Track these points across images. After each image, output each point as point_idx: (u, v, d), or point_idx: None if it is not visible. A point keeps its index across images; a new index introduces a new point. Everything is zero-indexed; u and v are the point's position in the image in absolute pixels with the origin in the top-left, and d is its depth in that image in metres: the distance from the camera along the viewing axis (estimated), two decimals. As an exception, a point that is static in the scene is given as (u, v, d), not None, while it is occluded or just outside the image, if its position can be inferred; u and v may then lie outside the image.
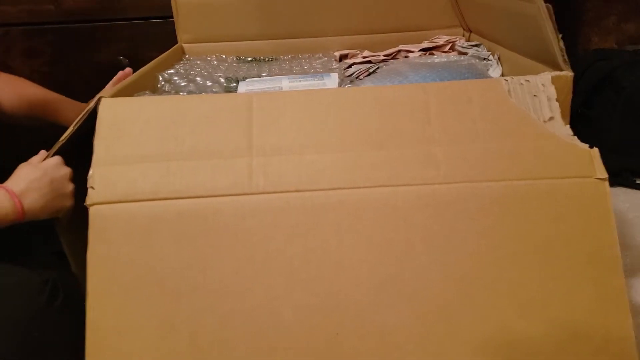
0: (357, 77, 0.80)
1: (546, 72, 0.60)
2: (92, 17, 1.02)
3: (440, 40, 0.91)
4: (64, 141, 0.61)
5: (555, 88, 0.58)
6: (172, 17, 1.00)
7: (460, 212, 0.53)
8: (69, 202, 0.61)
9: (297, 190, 0.55)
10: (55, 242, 0.74)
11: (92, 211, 0.54)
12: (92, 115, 0.58)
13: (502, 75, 0.79)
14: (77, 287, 0.68)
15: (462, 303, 0.51)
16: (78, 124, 0.60)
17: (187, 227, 0.54)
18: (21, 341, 0.55)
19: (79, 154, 0.60)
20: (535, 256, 0.52)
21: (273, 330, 0.52)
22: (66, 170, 0.62)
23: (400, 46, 0.91)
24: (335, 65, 0.86)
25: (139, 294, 0.52)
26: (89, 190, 0.55)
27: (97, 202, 0.54)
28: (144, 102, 0.59)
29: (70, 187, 0.61)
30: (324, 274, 0.52)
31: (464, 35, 0.95)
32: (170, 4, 0.97)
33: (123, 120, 0.58)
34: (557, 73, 0.60)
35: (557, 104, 0.58)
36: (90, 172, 0.55)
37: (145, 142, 0.56)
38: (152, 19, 1.03)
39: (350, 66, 0.86)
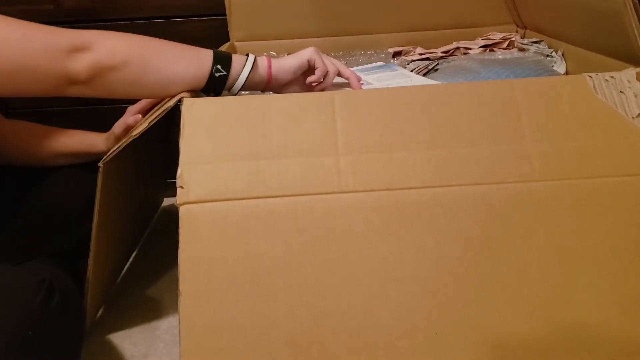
0: (419, 74, 0.80)
1: (630, 69, 0.60)
2: (93, 17, 1.01)
3: (496, 37, 0.91)
4: (136, 136, 0.61)
5: (640, 84, 0.58)
6: (172, 17, 1.01)
7: (557, 210, 0.52)
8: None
9: (387, 189, 0.54)
10: (52, 243, 0.75)
11: (182, 210, 0.54)
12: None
13: (567, 71, 0.79)
14: (74, 287, 0.68)
15: (563, 301, 0.51)
16: (154, 121, 0.60)
17: (280, 225, 0.53)
18: (16, 342, 0.54)
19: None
20: (634, 253, 0.51)
21: (371, 330, 0.51)
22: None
23: (455, 43, 0.91)
24: (393, 61, 0.86)
25: (234, 291, 0.52)
26: (178, 190, 0.55)
27: (187, 201, 0.54)
28: (228, 102, 0.58)
29: None
30: (420, 273, 0.52)
31: (517, 32, 0.95)
32: (170, 4, 0.99)
33: (208, 120, 0.57)
34: (642, 69, 0.59)
35: (643, 100, 0.58)
36: (179, 171, 0.55)
37: (233, 141, 0.56)
38: (153, 19, 1.03)
39: (408, 63, 0.85)
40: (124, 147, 0.62)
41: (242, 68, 0.63)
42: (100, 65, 0.57)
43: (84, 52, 0.57)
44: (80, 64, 0.57)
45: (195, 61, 0.61)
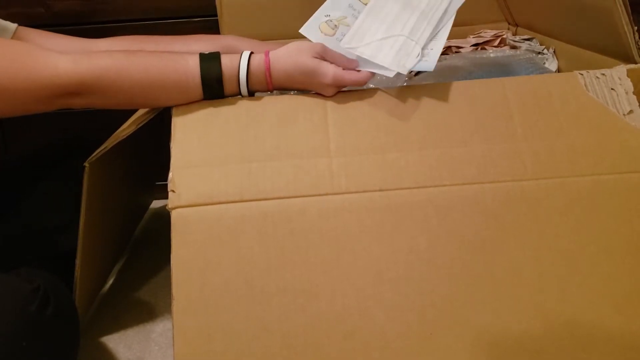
0: (410, 73, 0.79)
1: (621, 66, 0.60)
2: (83, 20, 1.01)
3: (487, 34, 0.90)
4: (124, 137, 0.61)
5: (631, 81, 0.58)
6: (163, 18, 1.01)
7: (550, 208, 0.52)
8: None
9: (380, 190, 0.54)
10: (46, 248, 0.74)
11: (175, 215, 0.54)
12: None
13: (558, 69, 0.79)
14: (68, 292, 0.67)
15: (557, 299, 0.51)
16: (142, 123, 0.60)
17: (273, 227, 0.53)
18: (11, 351, 0.53)
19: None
20: (627, 250, 0.52)
21: (366, 331, 0.51)
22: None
23: (447, 42, 0.91)
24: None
25: (227, 295, 0.52)
26: (170, 194, 0.54)
27: (180, 205, 0.54)
28: (219, 105, 0.58)
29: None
30: (413, 274, 0.52)
31: (509, 29, 0.95)
32: (161, 5, 0.98)
33: (199, 123, 0.57)
34: (632, 66, 0.60)
35: (634, 97, 0.58)
36: (170, 175, 0.55)
37: (225, 144, 0.56)
38: (143, 20, 1.03)
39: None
40: (110, 148, 0.62)
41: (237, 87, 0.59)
42: (92, 104, 0.58)
43: (75, 97, 0.56)
44: (71, 103, 0.57)
45: (184, 90, 0.58)
